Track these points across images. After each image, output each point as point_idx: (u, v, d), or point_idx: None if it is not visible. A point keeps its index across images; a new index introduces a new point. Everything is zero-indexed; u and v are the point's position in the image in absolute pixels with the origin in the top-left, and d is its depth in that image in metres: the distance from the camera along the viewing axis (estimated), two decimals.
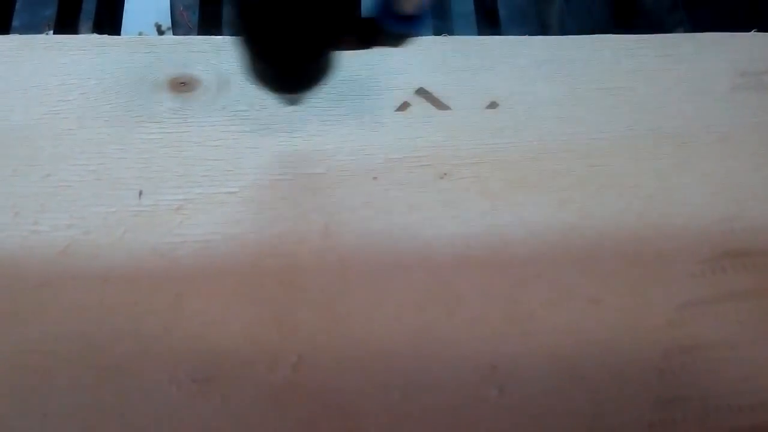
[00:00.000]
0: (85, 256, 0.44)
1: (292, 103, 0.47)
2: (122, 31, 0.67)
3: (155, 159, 0.47)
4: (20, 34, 0.57)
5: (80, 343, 0.41)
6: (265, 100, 0.50)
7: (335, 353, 0.42)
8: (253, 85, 0.42)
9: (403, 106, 0.51)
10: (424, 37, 0.55)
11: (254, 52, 0.39)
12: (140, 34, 0.73)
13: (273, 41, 0.37)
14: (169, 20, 0.76)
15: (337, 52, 0.40)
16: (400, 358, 0.42)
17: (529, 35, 0.57)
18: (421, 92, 0.52)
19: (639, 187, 0.49)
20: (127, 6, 0.68)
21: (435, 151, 0.49)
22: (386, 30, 0.39)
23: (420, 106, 0.51)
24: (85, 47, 0.52)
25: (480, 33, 0.67)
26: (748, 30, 0.58)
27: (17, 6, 0.65)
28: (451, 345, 0.43)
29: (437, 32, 0.58)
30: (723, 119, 0.53)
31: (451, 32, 0.67)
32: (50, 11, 0.64)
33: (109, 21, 0.65)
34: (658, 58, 0.55)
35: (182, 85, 0.51)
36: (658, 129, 0.52)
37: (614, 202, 0.48)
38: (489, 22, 0.67)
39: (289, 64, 0.40)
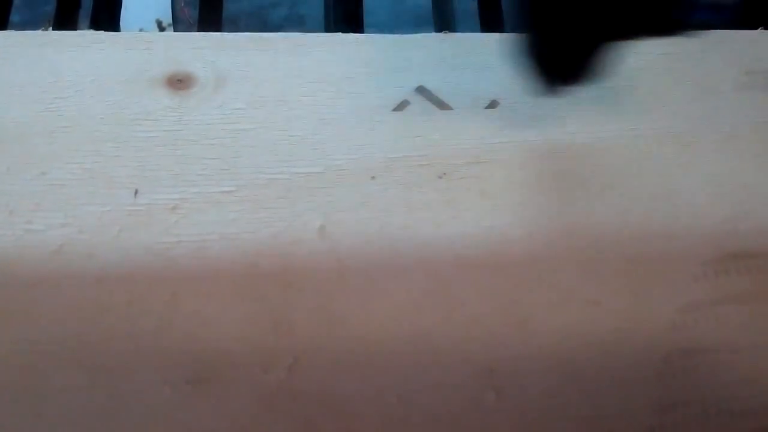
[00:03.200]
0: (79, 256, 0.43)
1: (558, 94, 0.46)
2: (123, 28, 0.67)
3: (151, 157, 0.47)
4: (19, 29, 0.56)
5: (74, 343, 0.41)
6: (262, 98, 0.50)
7: (332, 355, 0.42)
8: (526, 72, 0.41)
9: (402, 105, 0.51)
10: (423, 35, 0.54)
11: (537, 36, 0.38)
12: (141, 30, 0.72)
13: (561, 28, 0.37)
14: (170, 16, 0.76)
15: (617, 43, 0.39)
16: (397, 360, 0.42)
17: None
18: (421, 90, 0.51)
19: (641, 188, 0.48)
20: (127, 2, 0.68)
21: (434, 150, 0.49)
22: (684, 20, 0.38)
23: (419, 104, 0.51)
24: (81, 43, 0.51)
25: (483, 31, 0.66)
26: (754, 28, 0.58)
27: (18, 2, 0.65)
28: (449, 347, 0.42)
29: (438, 29, 0.57)
30: (728, 118, 0.52)
31: (453, 30, 0.66)
32: (50, 7, 0.64)
33: (107, 17, 0.65)
34: (662, 56, 0.55)
35: (179, 83, 0.50)
36: (661, 128, 0.51)
37: (616, 203, 0.48)
38: (492, 20, 0.66)
39: (566, 53, 0.39)
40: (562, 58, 0.40)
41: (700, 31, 0.39)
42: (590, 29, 0.37)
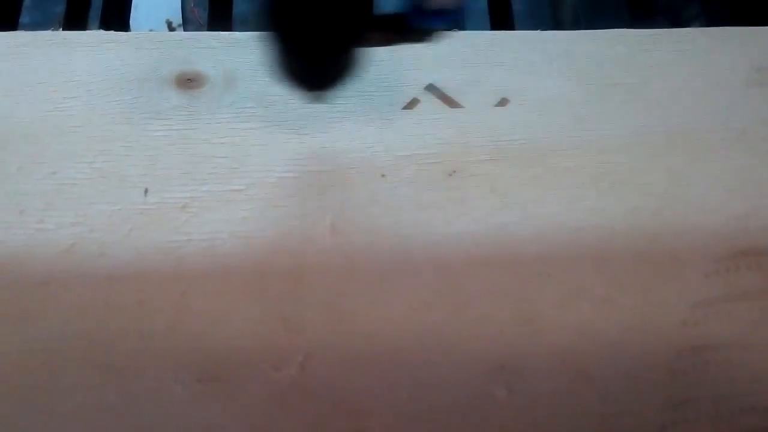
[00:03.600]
0: (90, 255, 0.43)
1: (318, 100, 0.46)
2: (132, 28, 0.67)
3: (161, 156, 0.47)
4: (30, 30, 0.57)
5: (85, 342, 0.41)
6: (272, 97, 0.50)
7: (342, 352, 0.42)
8: (278, 82, 0.41)
9: (413, 103, 0.51)
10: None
11: (279, 48, 0.38)
12: (151, 30, 0.73)
13: (298, 37, 0.37)
14: (180, 17, 0.76)
15: (362, 48, 0.40)
16: (407, 357, 0.42)
17: (542, 30, 0.56)
18: (431, 89, 0.51)
19: (652, 185, 0.48)
20: (137, 3, 0.68)
21: (444, 148, 0.49)
22: (413, 26, 0.39)
23: (429, 102, 0.51)
24: (91, 44, 0.52)
25: (493, 28, 0.66)
26: (764, 24, 0.57)
27: (28, 3, 0.65)
28: (460, 344, 0.42)
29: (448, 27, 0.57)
30: (738, 115, 0.52)
31: (463, 27, 0.66)
32: (60, 8, 0.64)
33: (117, 18, 0.65)
34: (673, 53, 0.55)
35: (189, 82, 0.50)
36: (672, 125, 0.51)
37: (626, 200, 0.47)
38: (502, 17, 0.66)
39: (314, 61, 0.39)
40: (306, 64, 0.40)
41: (435, 35, 0.40)
42: (329, 37, 0.37)
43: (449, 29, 0.39)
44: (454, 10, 0.38)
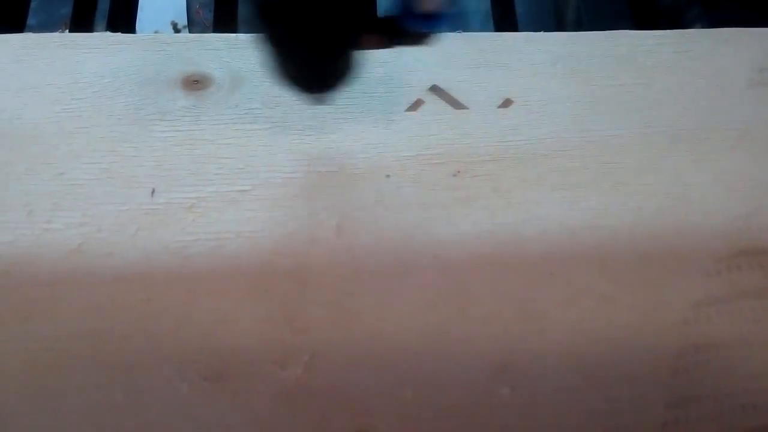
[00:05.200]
0: (97, 255, 0.44)
1: (317, 101, 0.47)
2: (138, 30, 0.68)
3: (168, 157, 0.47)
4: (36, 32, 0.57)
5: (92, 341, 0.42)
6: (278, 98, 0.50)
7: (347, 351, 0.42)
8: (279, 84, 0.42)
9: (417, 104, 0.51)
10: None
11: (277, 50, 0.39)
12: (156, 32, 0.73)
13: (295, 40, 0.37)
14: (185, 19, 0.76)
15: (359, 51, 0.40)
16: (412, 356, 0.42)
17: (545, 32, 0.56)
18: (435, 90, 0.51)
19: (654, 185, 0.48)
20: (143, 4, 0.68)
21: (448, 148, 0.49)
22: (407, 29, 0.39)
23: (433, 103, 0.51)
24: (98, 45, 0.52)
25: (496, 30, 0.67)
26: (766, 26, 0.57)
27: (34, 5, 0.65)
28: (464, 343, 0.43)
29: (451, 29, 0.57)
30: (740, 116, 0.52)
31: (466, 29, 0.66)
32: (66, 10, 0.64)
33: (123, 19, 0.65)
34: (675, 54, 0.55)
35: (195, 83, 0.51)
36: (674, 126, 0.51)
37: (629, 200, 0.48)
38: (505, 19, 0.67)
39: (311, 63, 0.40)
40: (303, 67, 0.41)
41: (429, 39, 0.41)
42: (324, 40, 0.38)
43: (444, 32, 0.39)
44: (444, 13, 0.38)
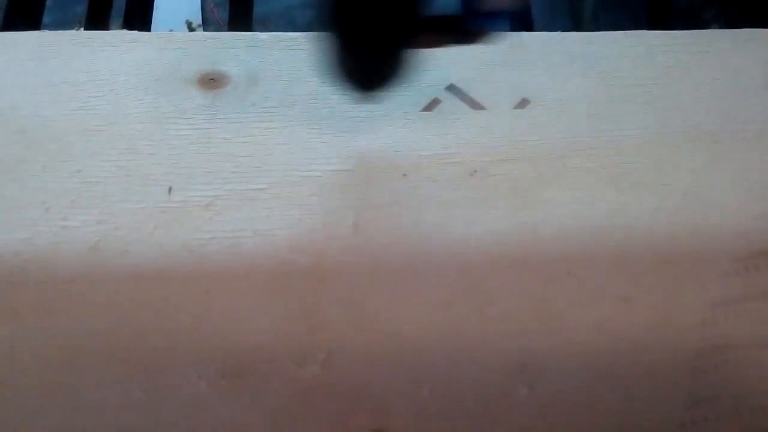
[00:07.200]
0: (114, 252, 0.44)
1: (368, 100, 0.46)
2: (153, 29, 0.68)
3: (185, 155, 0.47)
4: (51, 30, 0.57)
5: (109, 339, 0.42)
6: (294, 97, 0.50)
7: (364, 350, 0.42)
8: (332, 81, 0.42)
9: (434, 103, 0.51)
10: None
11: (336, 49, 0.38)
12: (171, 31, 0.73)
13: (354, 39, 0.37)
14: (200, 17, 0.76)
15: (414, 50, 0.40)
16: (429, 355, 0.42)
17: (562, 31, 0.56)
18: (452, 89, 0.51)
19: (672, 185, 0.48)
20: (158, 3, 0.68)
21: (465, 148, 0.49)
22: (469, 28, 0.39)
23: (450, 102, 0.51)
24: (114, 43, 0.52)
25: (513, 29, 0.67)
26: None
27: (49, 3, 0.65)
28: (481, 342, 0.43)
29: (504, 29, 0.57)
30: (758, 116, 0.52)
31: (531, 27, 0.66)
32: (81, 8, 0.65)
33: (139, 18, 0.65)
34: (693, 54, 0.55)
35: (212, 81, 0.51)
36: (691, 126, 0.51)
37: (646, 200, 0.48)
38: (522, 19, 0.66)
39: (368, 61, 0.40)
40: (362, 64, 0.41)
41: (488, 37, 0.40)
42: (384, 36, 0.37)
43: (506, 30, 0.39)
44: (513, 11, 0.38)
